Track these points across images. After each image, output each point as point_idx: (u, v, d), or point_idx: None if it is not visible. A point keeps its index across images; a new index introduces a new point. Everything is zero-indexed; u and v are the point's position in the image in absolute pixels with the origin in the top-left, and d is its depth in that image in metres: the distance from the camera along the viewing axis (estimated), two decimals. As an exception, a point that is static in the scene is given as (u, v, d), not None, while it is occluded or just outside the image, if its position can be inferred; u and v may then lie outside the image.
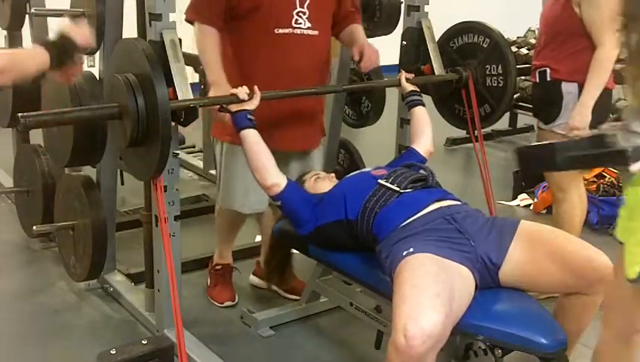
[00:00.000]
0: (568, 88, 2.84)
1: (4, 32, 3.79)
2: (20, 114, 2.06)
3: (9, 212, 3.85)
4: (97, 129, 2.74)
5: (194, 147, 5.13)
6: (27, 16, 3.52)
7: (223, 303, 2.94)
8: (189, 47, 2.65)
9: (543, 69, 2.93)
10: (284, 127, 2.64)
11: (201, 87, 4.04)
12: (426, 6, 3.01)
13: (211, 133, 2.85)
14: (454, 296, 1.86)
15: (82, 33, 1.91)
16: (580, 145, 1.64)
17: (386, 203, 2.20)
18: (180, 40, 2.30)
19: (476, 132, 3.05)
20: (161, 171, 2.27)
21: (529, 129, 5.85)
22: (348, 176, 2.51)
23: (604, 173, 3.99)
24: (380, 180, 2.28)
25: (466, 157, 5.38)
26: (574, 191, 3.00)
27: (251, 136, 2.33)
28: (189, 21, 2.57)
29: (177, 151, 2.41)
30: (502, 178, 4.42)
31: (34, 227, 3.11)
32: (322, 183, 2.49)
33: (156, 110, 2.13)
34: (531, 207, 4.23)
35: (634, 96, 1.59)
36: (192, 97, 2.30)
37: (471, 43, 3.03)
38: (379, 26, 3.44)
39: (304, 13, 2.56)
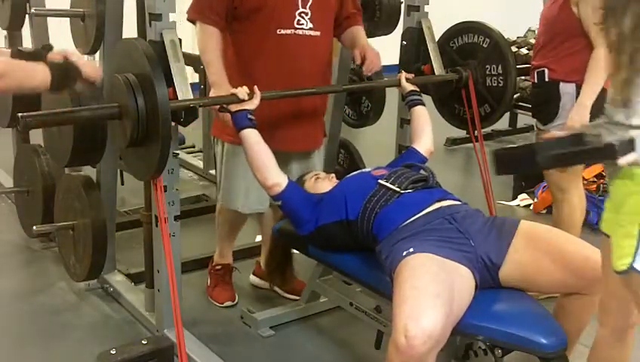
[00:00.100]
0: (566, 89, 2.84)
1: (4, 32, 3.79)
2: (20, 114, 2.05)
3: (9, 212, 3.85)
4: (97, 129, 2.73)
5: (194, 147, 5.12)
6: (27, 16, 3.52)
7: (223, 303, 2.94)
8: (189, 47, 2.66)
9: (541, 69, 2.93)
10: (285, 128, 2.64)
11: (201, 87, 4.06)
12: (426, 6, 3.01)
13: (212, 132, 2.84)
14: (454, 296, 1.86)
15: (91, 65, 1.90)
16: (560, 144, 1.61)
17: (387, 203, 2.20)
18: (180, 40, 2.30)
19: (476, 132, 3.05)
20: (161, 171, 2.27)
21: (529, 129, 5.83)
22: (348, 176, 2.51)
23: (604, 173, 3.98)
24: (380, 180, 2.28)
25: (466, 157, 5.37)
26: (574, 192, 2.99)
27: (252, 136, 2.32)
28: (191, 21, 2.56)
29: (177, 151, 2.41)
30: (502, 178, 4.39)
31: (34, 227, 3.11)
32: (322, 183, 2.49)
33: (156, 110, 2.13)
34: (531, 207, 4.23)
35: (614, 87, 1.60)
36: (192, 97, 2.30)
37: (471, 43, 3.03)
38: (379, 26, 3.43)
39: (306, 14, 2.56)
